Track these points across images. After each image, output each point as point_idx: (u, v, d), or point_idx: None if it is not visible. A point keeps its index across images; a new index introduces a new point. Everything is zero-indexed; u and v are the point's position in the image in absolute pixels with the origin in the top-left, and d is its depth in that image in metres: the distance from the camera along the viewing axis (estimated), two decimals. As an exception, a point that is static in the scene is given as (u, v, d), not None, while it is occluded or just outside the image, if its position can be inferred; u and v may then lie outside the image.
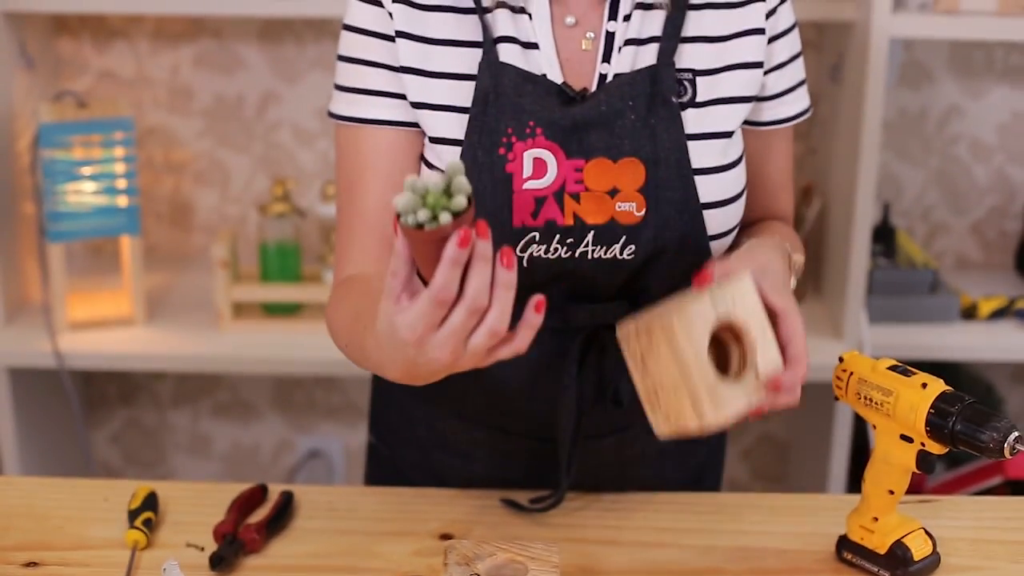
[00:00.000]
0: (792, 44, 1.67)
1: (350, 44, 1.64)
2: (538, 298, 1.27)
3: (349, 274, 1.63)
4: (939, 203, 3.01)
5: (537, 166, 1.55)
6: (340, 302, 1.60)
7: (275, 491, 1.68)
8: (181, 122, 2.97)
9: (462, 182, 1.22)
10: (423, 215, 1.20)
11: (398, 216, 1.22)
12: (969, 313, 2.76)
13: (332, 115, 1.66)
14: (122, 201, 2.65)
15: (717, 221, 1.60)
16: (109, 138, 2.62)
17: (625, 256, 1.57)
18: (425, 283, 1.25)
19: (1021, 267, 2.98)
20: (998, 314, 2.76)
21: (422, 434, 1.78)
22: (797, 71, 1.69)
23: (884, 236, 2.86)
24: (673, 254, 1.58)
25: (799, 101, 1.70)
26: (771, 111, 1.68)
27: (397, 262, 1.25)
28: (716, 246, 1.62)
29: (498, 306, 1.25)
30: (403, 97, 1.61)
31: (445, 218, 1.20)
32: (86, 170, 2.61)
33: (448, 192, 1.21)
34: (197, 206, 3.03)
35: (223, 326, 2.69)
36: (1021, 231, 3.00)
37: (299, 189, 2.96)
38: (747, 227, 1.73)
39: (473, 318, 1.25)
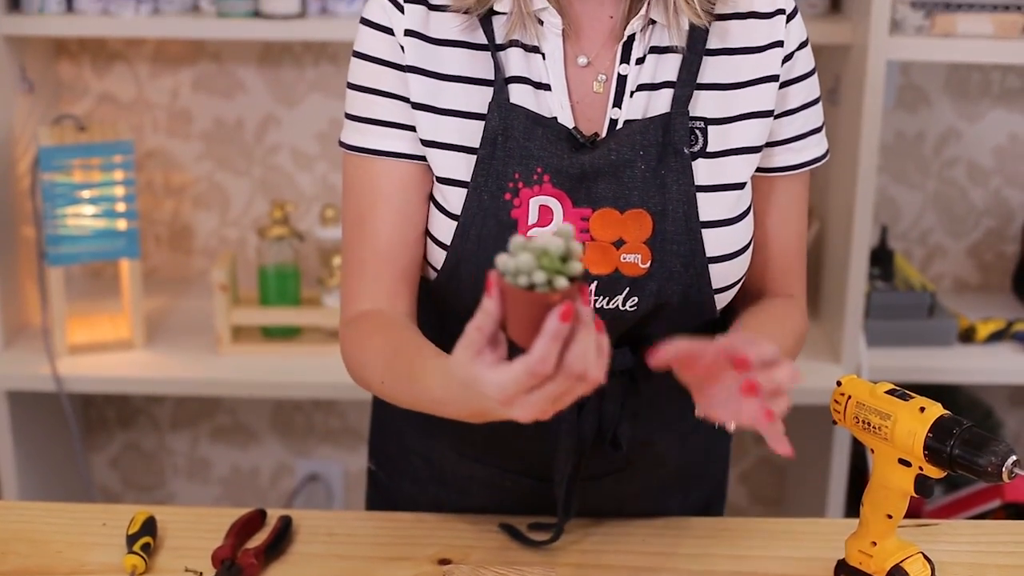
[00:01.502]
0: (807, 91, 1.63)
1: (360, 72, 1.60)
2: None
3: (364, 309, 1.60)
4: (936, 226, 3.01)
5: (543, 213, 1.53)
6: (366, 339, 1.57)
7: (274, 515, 1.68)
8: (180, 145, 2.98)
9: (576, 247, 1.19)
10: (539, 277, 1.17)
11: (499, 274, 1.19)
12: (967, 336, 2.76)
13: (343, 144, 1.62)
14: (121, 224, 2.65)
15: (722, 274, 1.57)
16: (108, 161, 2.62)
17: (628, 308, 1.55)
18: (512, 341, 1.22)
19: (1019, 290, 2.98)
20: (996, 337, 2.76)
21: (419, 466, 1.78)
22: (810, 118, 1.64)
23: (882, 259, 2.86)
24: (676, 306, 1.56)
25: (808, 149, 1.65)
26: (777, 157, 1.63)
27: (485, 319, 1.22)
28: (720, 299, 1.59)
29: (594, 371, 1.21)
30: (415, 129, 1.58)
31: (562, 283, 1.17)
32: (85, 193, 2.62)
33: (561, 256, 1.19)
34: (196, 229, 3.03)
35: (222, 349, 2.69)
36: (1018, 253, 3.00)
37: (298, 212, 2.97)
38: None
39: (568, 383, 1.21)
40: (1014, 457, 1.40)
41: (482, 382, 1.23)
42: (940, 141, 2.96)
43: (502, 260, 1.19)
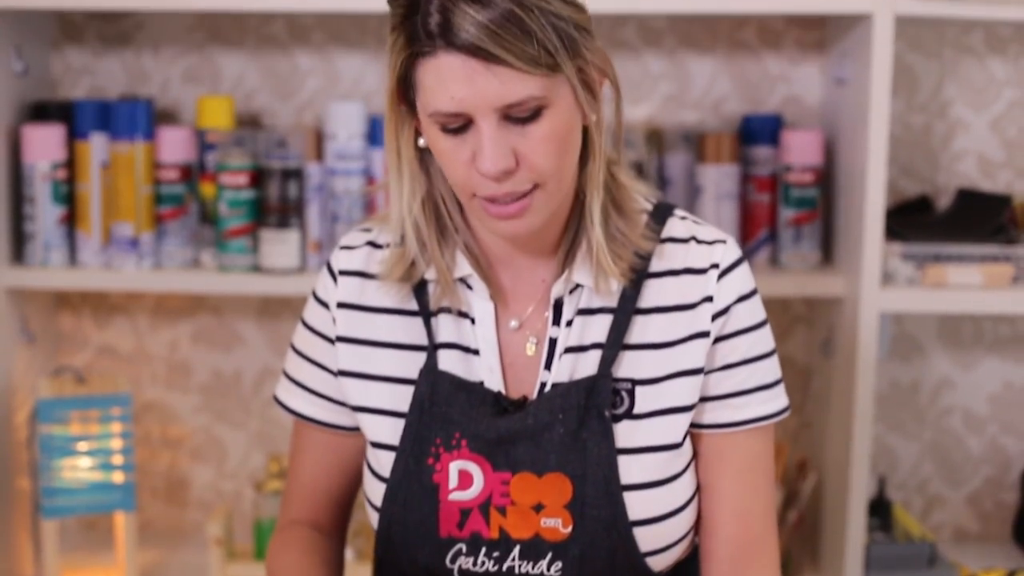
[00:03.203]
0: (749, 345, 1.59)
1: (299, 337, 1.71)
2: None
3: (292, 519, 1.73)
4: (934, 475, 3.01)
5: (463, 478, 1.54)
6: (282, 552, 1.70)
7: None
8: (179, 398, 2.99)
9: None
10: None
11: None
12: (969, 586, 2.73)
13: (275, 399, 1.76)
14: (118, 477, 2.64)
15: (651, 537, 1.54)
16: (106, 413, 2.63)
17: (552, 573, 1.53)
18: None
19: (1019, 538, 2.96)
20: (998, 587, 2.73)
21: None
22: (755, 373, 1.59)
23: (880, 510, 2.85)
24: (603, 570, 1.54)
25: (751, 406, 1.59)
26: (713, 413, 1.59)
27: None
28: (653, 562, 1.56)
29: None
30: (337, 402, 1.67)
31: None
32: (82, 445, 2.62)
33: None
34: (193, 482, 3.02)
35: (216, 604, 2.66)
36: (1018, 502, 2.99)
37: (295, 464, 2.96)
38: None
39: None
40: None
41: None
42: (935, 390, 2.97)
43: None
